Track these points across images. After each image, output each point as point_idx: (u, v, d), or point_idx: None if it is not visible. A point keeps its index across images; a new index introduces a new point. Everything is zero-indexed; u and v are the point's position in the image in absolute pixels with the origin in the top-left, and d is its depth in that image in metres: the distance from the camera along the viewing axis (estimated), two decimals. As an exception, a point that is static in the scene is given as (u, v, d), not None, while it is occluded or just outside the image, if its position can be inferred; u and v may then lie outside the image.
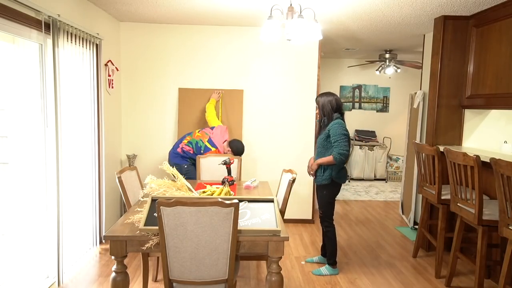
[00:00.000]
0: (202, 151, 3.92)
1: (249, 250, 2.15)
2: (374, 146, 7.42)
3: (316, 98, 3.30)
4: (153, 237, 2.09)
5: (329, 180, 3.17)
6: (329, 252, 3.31)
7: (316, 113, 3.28)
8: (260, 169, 4.74)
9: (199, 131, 4.08)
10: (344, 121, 3.21)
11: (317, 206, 5.45)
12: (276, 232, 2.11)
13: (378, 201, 6.00)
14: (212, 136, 3.99)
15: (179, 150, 3.99)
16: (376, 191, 6.63)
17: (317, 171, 3.26)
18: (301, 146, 4.72)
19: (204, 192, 2.77)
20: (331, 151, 3.13)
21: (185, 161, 3.98)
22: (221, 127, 4.11)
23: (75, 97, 3.27)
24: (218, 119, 4.39)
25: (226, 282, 2.07)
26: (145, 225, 2.12)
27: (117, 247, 2.12)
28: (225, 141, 4.05)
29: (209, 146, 3.93)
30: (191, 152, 3.95)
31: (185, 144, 3.99)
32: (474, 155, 2.70)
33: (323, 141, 3.21)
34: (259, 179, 4.67)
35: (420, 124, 4.45)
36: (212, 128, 4.12)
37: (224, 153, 4.00)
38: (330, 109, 3.19)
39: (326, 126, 3.21)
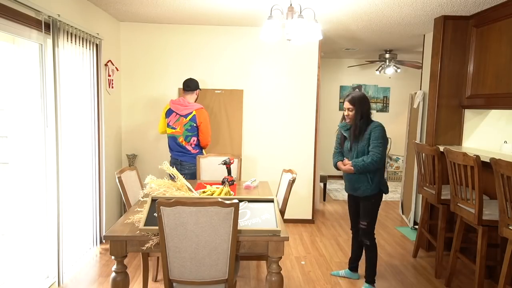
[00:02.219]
0: (195, 125, 3.75)
1: (249, 250, 2.14)
2: (374, 146, 7.41)
3: (351, 97, 2.86)
4: (153, 237, 2.09)
5: (379, 189, 2.89)
6: (371, 269, 2.98)
7: (348, 114, 2.89)
8: (260, 169, 4.74)
9: (173, 128, 3.82)
10: None
11: (317, 206, 5.45)
12: (276, 232, 2.11)
13: (378, 201, 5.99)
14: (181, 111, 3.76)
15: (194, 151, 3.84)
16: (376, 191, 6.62)
17: (356, 182, 2.92)
18: (301, 146, 4.72)
19: (204, 192, 2.77)
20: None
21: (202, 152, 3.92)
22: (171, 105, 3.84)
23: (75, 97, 3.27)
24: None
25: (226, 282, 2.07)
26: (145, 225, 2.12)
27: (117, 247, 2.11)
28: (183, 99, 3.82)
29: (191, 117, 3.74)
30: (196, 140, 3.82)
31: (189, 142, 3.81)
32: (474, 155, 2.70)
33: (366, 148, 2.84)
34: (259, 179, 4.68)
35: (420, 124, 4.45)
36: (168, 114, 3.86)
37: (196, 100, 3.87)
38: (367, 110, 2.84)
39: (363, 130, 2.84)
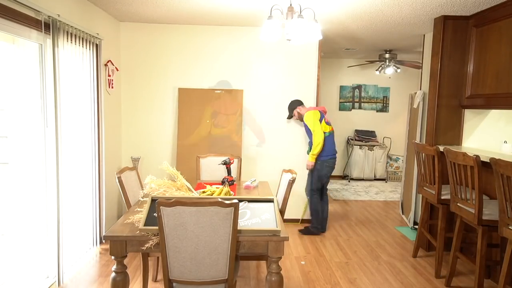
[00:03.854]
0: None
1: (249, 250, 2.15)
2: (374, 146, 7.42)
3: None
4: (153, 237, 2.09)
5: None
6: None
7: None
8: (260, 169, 4.74)
9: (330, 124, 4.32)
10: None
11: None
12: (276, 232, 2.11)
13: (378, 201, 6.00)
14: (324, 112, 4.35)
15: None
16: (376, 191, 6.63)
17: None
18: (301, 146, 4.71)
19: (204, 192, 2.77)
20: None
21: None
22: (319, 110, 4.29)
23: (75, 97, 3.27)
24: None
25: (226, 282, 2.07)
26: (145, 225, 2.12)
27: (117, 247, 2.12)
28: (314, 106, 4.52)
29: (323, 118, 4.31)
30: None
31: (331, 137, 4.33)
32: (474, 155, 2.70)
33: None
34: (259, 179, 4.67)
35: (420, 124, 4.45)
36: (322, 116, 4.27)
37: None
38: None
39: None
